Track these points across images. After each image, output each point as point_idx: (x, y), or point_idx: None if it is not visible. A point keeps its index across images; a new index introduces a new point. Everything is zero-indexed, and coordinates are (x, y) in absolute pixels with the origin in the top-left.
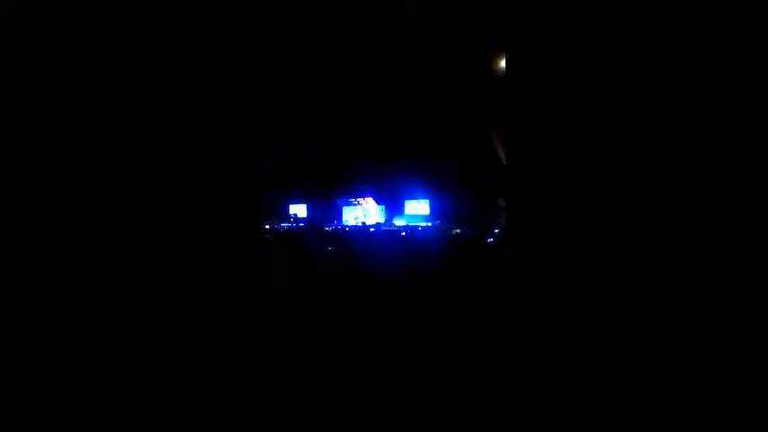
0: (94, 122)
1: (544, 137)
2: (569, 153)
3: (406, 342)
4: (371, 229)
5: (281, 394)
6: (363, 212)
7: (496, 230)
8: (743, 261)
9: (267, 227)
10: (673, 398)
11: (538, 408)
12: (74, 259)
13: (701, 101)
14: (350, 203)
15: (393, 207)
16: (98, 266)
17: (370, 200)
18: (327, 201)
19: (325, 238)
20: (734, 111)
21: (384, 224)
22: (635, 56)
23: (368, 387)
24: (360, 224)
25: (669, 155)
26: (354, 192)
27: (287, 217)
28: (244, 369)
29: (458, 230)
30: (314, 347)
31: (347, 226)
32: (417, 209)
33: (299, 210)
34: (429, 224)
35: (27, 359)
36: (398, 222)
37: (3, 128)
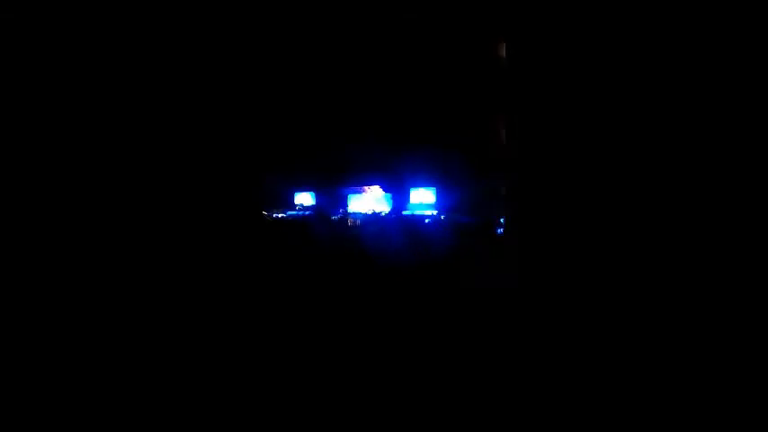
0: (101, 111)
1: (546, 127)
2: (572, 144)
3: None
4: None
5: (285, 390)
6: (373, 200)
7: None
8: (743, 260)
9: (277, 215)
10: (674, 397)
11: (541, 407)
12: (74, 251)
13: (700, 96)
14: (356, 191)
15: (399, 195)
16: (100, 257)
17: (376, 188)
18: (333, 188)
19: (335, 226)
20: (735, 105)
21: (392, 212)
22: (639, 51)
23: (372, 383)
24: (370, 212)
25: (672, 152)
26: (360, 179)
27: (293, 205)
28: (247, 363)
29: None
30: (321, 340)
31: (353, 213)
32: (424, 197)
33: (304, 198)
34: (435, 213)
35: (27, 358)
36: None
37: (3, 128)
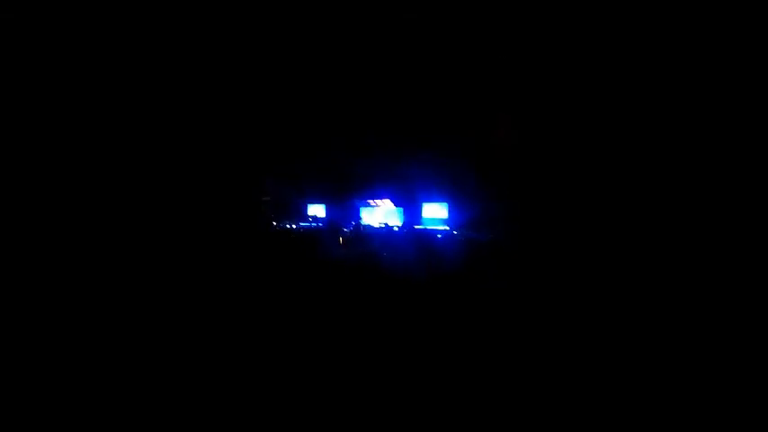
0: (110, 123)
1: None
2: (578, 157)
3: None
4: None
5: (290, 392)
6: (384, 214)
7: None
8: (749, 265)
9: (289, 226)
10: (675, 396)
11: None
12: (80, 260)
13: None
14: (367, 204)
15: (410, 210)
16: (104, 263)
17: (387, 201)
18: (346, 201)
19: (351, 238)
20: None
21: (404, 226)
22: (646, 60)
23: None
24: (381, 225)
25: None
26: (372, 193)
27: (305, 217)
28: (252, 365)
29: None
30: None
31: (367, 226)
32: (435, 212)
33: (317, 210)
34: (447, 228)
35: (28, 358)
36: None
37: (3, 128)
